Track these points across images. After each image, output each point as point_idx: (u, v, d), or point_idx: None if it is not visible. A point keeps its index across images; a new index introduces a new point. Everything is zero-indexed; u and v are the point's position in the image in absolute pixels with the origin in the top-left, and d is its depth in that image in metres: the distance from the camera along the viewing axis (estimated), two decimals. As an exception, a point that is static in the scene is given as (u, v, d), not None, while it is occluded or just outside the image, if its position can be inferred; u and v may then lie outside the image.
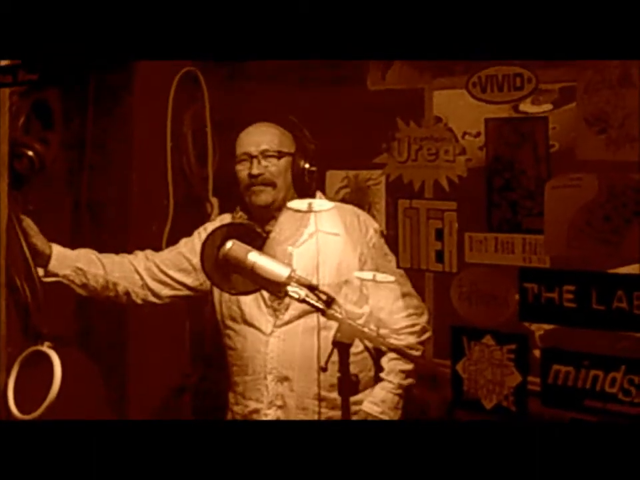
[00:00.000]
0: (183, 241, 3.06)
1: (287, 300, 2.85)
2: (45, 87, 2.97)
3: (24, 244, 2.95)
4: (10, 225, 2.93)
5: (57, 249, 2.94)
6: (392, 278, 2.71)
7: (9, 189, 2.90)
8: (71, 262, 2.94)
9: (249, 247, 2.37)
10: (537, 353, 2.16)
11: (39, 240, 2.89)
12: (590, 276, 1.99)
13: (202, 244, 2.52)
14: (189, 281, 2.99)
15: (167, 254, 3.04)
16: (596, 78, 2.02)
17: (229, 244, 2.37)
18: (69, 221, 3.35)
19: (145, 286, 2.99)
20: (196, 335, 3.56)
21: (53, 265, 2.92)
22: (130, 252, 3.04)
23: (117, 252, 3.06)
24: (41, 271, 2.91)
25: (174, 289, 3.01)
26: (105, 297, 2.99)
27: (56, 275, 2.92)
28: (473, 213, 2.21)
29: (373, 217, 3.13)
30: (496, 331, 2.12)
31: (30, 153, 2.85)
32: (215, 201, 3.52)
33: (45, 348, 2.86)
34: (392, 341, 2.74)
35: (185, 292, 3.03)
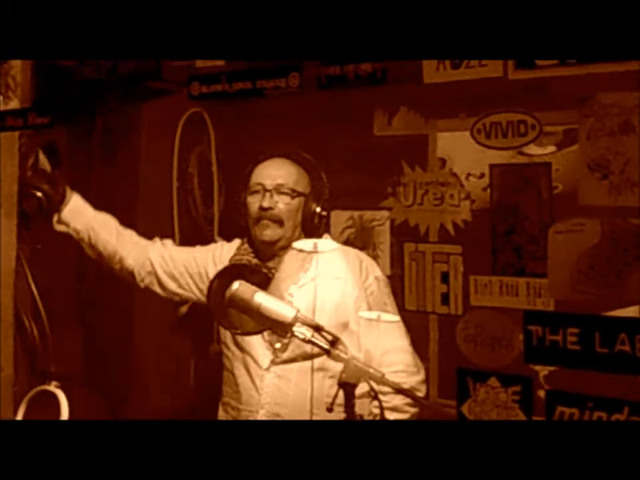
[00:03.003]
0: (198, 248, 3.02)
1: (285, 339, 2.84)
2: (53, 128, 3.00)
3: (32, 283, 2.98)
4: (18, 264, 2.97)
5: (76, 200, 2.89)
6: (397, 318, 2.70)
7: (18, 228, 2.94)
8: (85, 219, 2.89)
9: (256, 288, 2.37)
10: (541, 394, 2.18)
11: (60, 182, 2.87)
12: (593, 319, 2.01)
13: (209, 284, 2.51)
14: (193, 285, 2.96)
15: (184, 253, 2.98)
16: (597, 125, 2.06)
17: (235, 285, 2.37)
18: (74, 260, 3.37)
19: (154, 273, 2.95)
20: (201, 373, 3.57)
21: (66, 215, 2.87)
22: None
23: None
24: (55, 217, 2.90)
25: (181, 286, 2.98)
26: (110, 267, 2.93)
27: (67, 225, 2.90)
28: (478, 256, 2.24)
29: (377, 257, 3.12)
30: (501, 373, 2.14)
31: (38, 193, 2.87)
32: (219, 240, 3.54)
33: (52, 387, 2.88)
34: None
35: (189, 294, 2.99)
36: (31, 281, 2.98)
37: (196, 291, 2.94)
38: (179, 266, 2.94)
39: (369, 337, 2.67)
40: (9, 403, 2.89)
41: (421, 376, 2.80)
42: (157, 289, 2.95)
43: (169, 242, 3.00)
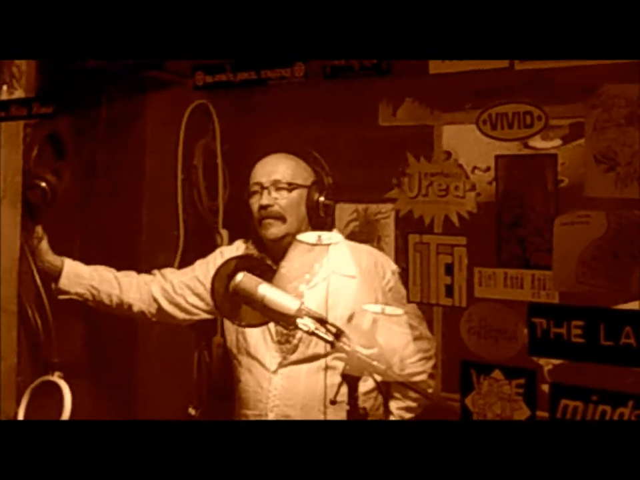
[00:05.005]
0: (198, 263, 3.03)
1: (294, 341, 2.83)
2: (58, 118, 3.00)
3: (36, 274, 2.98)
4: (22, 255, 2.96)
5: (69, 266, 2.92)
6: (400, 311, 2.69)
7: (22, 219, 2.94)
8: (83, 280, 2.92)
9: (259, 280, 2.37)
10: (545, 387, 2.17)
11: (49, 257, 2.88)
12: (598, 312, 1.99)
13: (212, 276, 2.53)
14: (202, 304, 2.96)
15: (183, 276, 3.01)
16: (604, 117, 2.04)
17: (239, 276, 2.37)
18: (77, 251, 3.36)
19: (161, 309, 2.96)
20: (204, 365, 3.57)
21: (63, 283, 2.90)
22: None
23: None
24: (54, 287, 2.92)
25: (189, 313, 2.98)
26: (120, 314, 2.97)
27: (67, 293, 2.91)
28: (483, 248, 2.22)
29: (382, 250, 3.11)
30: (505, 366, 2.13)
31: (43, 184, 2.88)
32: (224, 232, 3.53)
33: (56, 378, 2.88)
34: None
35: (201, 316, 3.00)
36: (35, 271, 2.98)
37: (206, 308, 2.94)
38: (182, 291, 2.96)
39: (389, 331, 2.68)
40: (12, 393, 2.88)
41: (434, 359, 2.81)
42: (169, 320, 2.98)
43: (167, 271, 3.03)
